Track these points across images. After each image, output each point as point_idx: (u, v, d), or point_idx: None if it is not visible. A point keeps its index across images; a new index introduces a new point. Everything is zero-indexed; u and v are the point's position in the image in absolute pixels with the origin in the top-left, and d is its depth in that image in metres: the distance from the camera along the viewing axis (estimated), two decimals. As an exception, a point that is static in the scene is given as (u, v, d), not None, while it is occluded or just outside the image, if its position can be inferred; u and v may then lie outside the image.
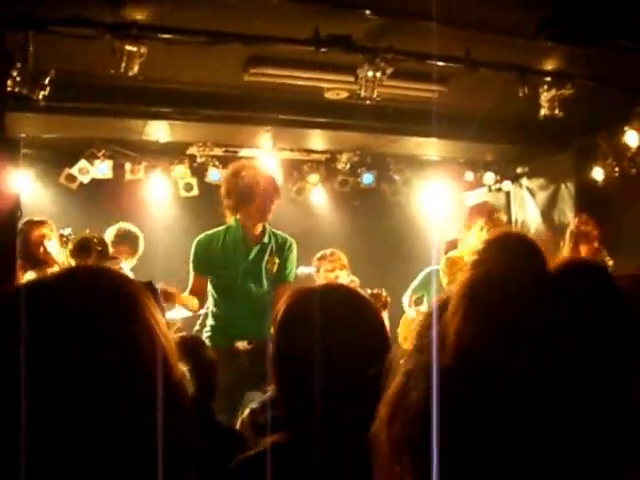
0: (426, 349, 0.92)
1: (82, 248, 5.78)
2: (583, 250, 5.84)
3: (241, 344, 4.98)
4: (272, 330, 2.00)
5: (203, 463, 1.35)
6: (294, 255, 5.25)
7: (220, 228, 5.22)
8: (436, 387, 0.87)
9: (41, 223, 5.88)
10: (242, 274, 5.05)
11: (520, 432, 0.84)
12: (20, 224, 5.68)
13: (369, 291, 6.83)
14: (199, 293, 5.13)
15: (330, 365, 1.79)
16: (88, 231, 6.01)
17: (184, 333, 5.29)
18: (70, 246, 5.74)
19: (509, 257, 0.92)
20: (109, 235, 6.51)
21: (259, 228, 5.13)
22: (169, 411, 1.20)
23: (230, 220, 5.17)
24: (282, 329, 1.94)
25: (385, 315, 6.89)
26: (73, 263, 5.58)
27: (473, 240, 5.50)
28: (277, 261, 5.12)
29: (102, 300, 1.18)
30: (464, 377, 0.86)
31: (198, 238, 5.24)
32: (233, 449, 2.38)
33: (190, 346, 3.24)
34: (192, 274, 5.15)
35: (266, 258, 5.10)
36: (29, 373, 1.10)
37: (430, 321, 0.95)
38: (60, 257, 5.69)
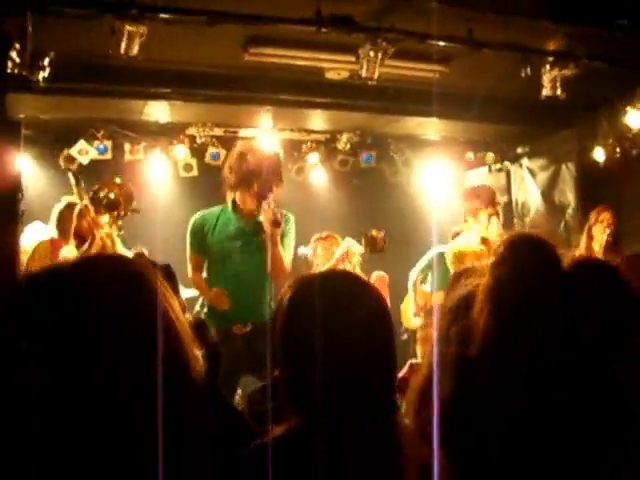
0: (453, 342, 0.95)
1: (110, 205, 5.79)
2: (597, 243, 5.78)
3: (238, 327, 4.96)
4: (275, 315, 2.00)
5: (215, 443, 1.36)
6: (292, 230, 5.18)
7: (215, 208, 5.20)
8: (466, 375, 0.90)
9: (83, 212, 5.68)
10: (237, 253, 5.03)
11: (539, 414, 0.87)
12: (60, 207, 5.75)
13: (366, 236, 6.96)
14: (200, 271, 5.14)
15: (338, 351, 1.80)
16: (118, 180, 6.01)
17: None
18: (103, 202, 5.72)
19: (527, 258, 0.95)
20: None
21: (255, 207, 5.05)
22: (184, 393, 1.21)
23: (228, 198, 5.14)
24: (288, 316, 1.94)
25: (382, 276, 6.98)
26: (105, 219, 5.58)
27: (480, 230, 5.50)
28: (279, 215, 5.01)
29: (119, 287, 1.20)
30: (491, 366, 0.89)
31: (193, 217, 5.22)
32: (244, 431, 2.40)
33: (197, 329, 3.25)
34: (189, 254, 5.15)
35: (262, 236, 5.01)
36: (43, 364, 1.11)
37: (453, 316, 0.97)
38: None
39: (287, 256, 5.10)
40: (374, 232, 7.09)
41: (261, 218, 4.99)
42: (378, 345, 1.91)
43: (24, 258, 5.65)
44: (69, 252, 5.45)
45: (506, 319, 0.91)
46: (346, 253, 6.80)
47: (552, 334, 0.90)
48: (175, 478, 1.14)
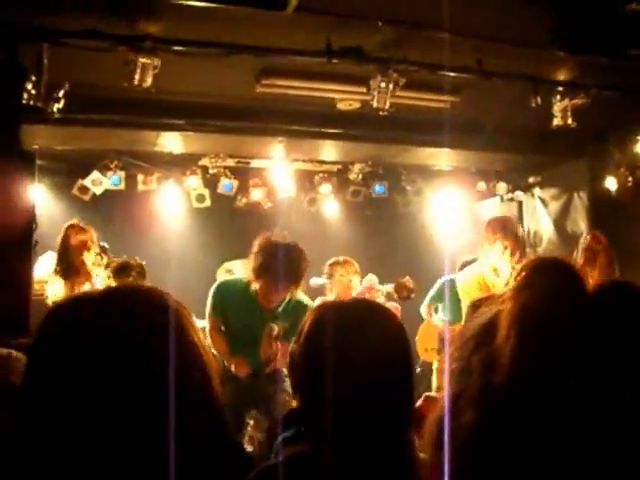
0: (475, 370, 0.94)
1: (122, 270, 5.98)
2: (590, 269, 5.74)
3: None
4: (297, 338, 2.00)
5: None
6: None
7: (241, 279, 5.22)
8: (493, 405, 0.89)
9: (84, 231, 5.87)
10: (251, 329, 5.07)
11: (580, 449, 0.86)
12: (63, 228, 5.83)
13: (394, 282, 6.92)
14: (218, 330, 5.21)
15: (355, 377, 1.81)
16: (125, 257, 6.22)
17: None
18: (111, 269, 5.93)
19: (553, 281, 0.95)
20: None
21: (271, 301, 5.06)
22: (210, 422, 1.23)
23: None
24: (309, 341, 1.94)
25: (395, 308, 6.94)
26: (113, 283, 5.73)
27: (495, 259, 5.45)
28: (284, 325, 5.06)
29: (155, 318, 1.21)
30: (520, 392, 0.88)
31: (217, 284, 5.29)
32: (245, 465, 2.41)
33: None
34: (209, 313, 5.20)
35: (271, 325, 5.02)
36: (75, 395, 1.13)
37: (474, 344, 0.97)
38: (94, 269, 5.77)
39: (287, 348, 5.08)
40: (406, 281, 7.05)
41: (279, 308, 5.06)
42: (397, 376, 1.90)
43: (37, 287, 5.70)
44: (57, 288, 5.56)
45: (534, 344, 0.91)
46: (370, 288, 6.78)
47: (582, 358, 0.90)
48: None
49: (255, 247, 5.02)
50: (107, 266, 5.95)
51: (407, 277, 6.96)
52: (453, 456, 0.94)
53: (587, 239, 5.98)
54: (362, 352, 1.85)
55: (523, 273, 0.98)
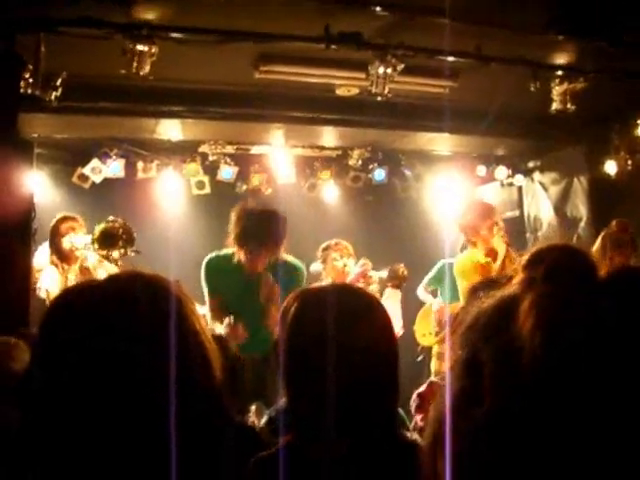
0: (489, 362, 0.92)
1: (107, 240, 5.96)
2: (617, 258, 5.62)
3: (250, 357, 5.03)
4: (280, 327, 2.01)
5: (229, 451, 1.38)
6: (297, 281, 5.16)
7: (227, 251, 5.25)
8: (514, 397, 0.88)
9: (71, 218, 6.24)
10: (244, 298, 5.12)
11: (608, 444, 0.85)
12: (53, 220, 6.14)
13: (388, 267, 6.90)
14: (215, 311, 5.22)
15: (339, 364, 1.81)
16: (111, 218, 6.16)
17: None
18: (96, 235, 5.91)
19: (572, 272, 0.93)
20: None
21: (254, 266, 5.11)
22: (209, 408, 1.24)
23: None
24: (292, 329, 1.95)
25: (398, 294, 6.94)
26: (100, 252, 5.76)
27: (493, 243, 5.53)
28: (277, 289, 5.08)
29: (157, 306, 1.22)
30: (548, 387, 0.87)
31: (208, 259, 5.31)
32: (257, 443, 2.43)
33: (218, 343, 3.25)
34: (207, 295, 5.25)
35: (263, 289, 5.11)
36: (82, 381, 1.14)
37: (484, 335, 0.95)
38: (87, 252, 5.83)
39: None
40: (399, 267, 7.03)
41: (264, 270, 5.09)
42: (382, 361, 1.91)
43: (37, 276, 5.73)
44: (51, 276, 5.65)
45: (561, 334, 0.89)
46: (364, 275, 6.73)
47: (604, 349, 0.89)
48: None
49: (232, 217, 5.09)
50: (93, 241, 5.97)
51: (401, 264, 6.93)
52: (459, 449, 0.92)
53: (612, 227, 5.86)
54: (347, 339, 1.85)
55: (542, 262, 0.96)
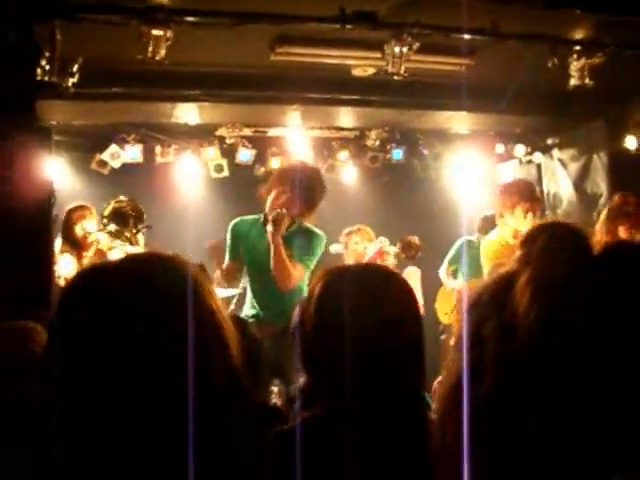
0: (491, 338, 0.93)
1: (117, 219, 6.05)
2: (622, 230, 5.53)
3: (267, 326, 4.98)
4: (305, 307, 2.02)
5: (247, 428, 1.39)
6: (312, 246, 5.13)
7: (253, 216, 5.25)
8: (509, 373, 0.88)
9: (81, 207, 6.39)
10: (266, 264, 5.02)
11: (604, 416, 0.85)
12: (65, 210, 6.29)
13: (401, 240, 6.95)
14: (228, 275, 5.24)
15: (364, 340, 1.83)
16: (119, 198, 6.28)
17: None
18: (106, 214, 6.01)
19: (568, 249, 0.94)
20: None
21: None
22: (228, 387, 1.25)
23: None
24: (318, 307, 1.97)
25: (417, 272, 6.96)
26: (113, 230, 5.86)
27: (517, 224, 5.44)
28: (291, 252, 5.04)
29: (174, 287, 1.23)
30: (542, 360, 0.87)
31: (233, 222, 5.32)
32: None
33: (238, 325, 3.27)
34: (227, 258, 5.24)
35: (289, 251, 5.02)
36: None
37: (486, 312, 0.96)
38: (99, 235, 5.95)
39: (296, 267, 5.01)
40: (410, 238, 7.06)
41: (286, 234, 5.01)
42: (408, 338, 1.92)
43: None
44: (68, 263, 5.76)
45: (556, 310, 0.90)
46: (380, 252, 6.78)
47: (601, 324, 0.89)
48: (207, 457, 1.18)
49: (274, 174, 5.13)
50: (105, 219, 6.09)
51: (409, 236, 6.97)
52: (468, 424, 0.93)
53: (616, 200, 5.73)
54: (373, 315, 1.87)
55: (537, 239, 0.96)
